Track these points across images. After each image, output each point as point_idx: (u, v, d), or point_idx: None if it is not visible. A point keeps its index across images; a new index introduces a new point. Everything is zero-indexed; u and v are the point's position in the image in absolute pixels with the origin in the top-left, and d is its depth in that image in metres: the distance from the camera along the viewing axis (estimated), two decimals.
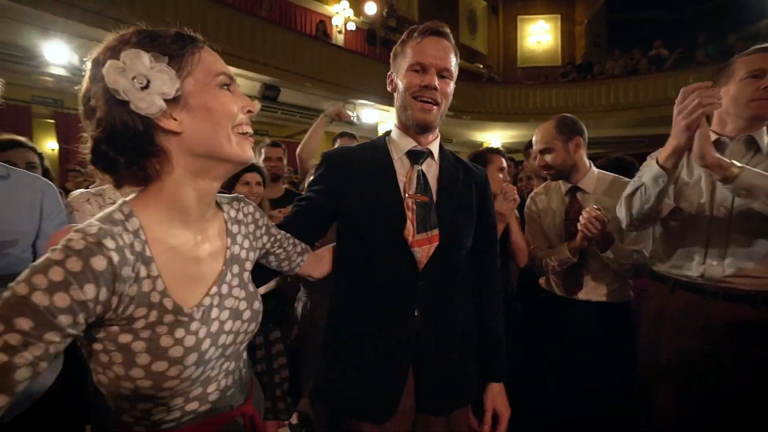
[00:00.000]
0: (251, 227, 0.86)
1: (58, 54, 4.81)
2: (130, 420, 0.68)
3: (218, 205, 0.81)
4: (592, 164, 1.69)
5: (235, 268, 0.79)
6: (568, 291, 1.66)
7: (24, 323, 0.52)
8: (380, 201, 1.02)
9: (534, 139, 1.72)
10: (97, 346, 0.62)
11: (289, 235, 0.97)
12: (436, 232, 1.00)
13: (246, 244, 0.83)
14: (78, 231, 0.58)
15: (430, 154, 1.07)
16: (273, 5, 8.34)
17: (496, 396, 1.12)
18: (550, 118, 1.68)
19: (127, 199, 0.68)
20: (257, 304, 0.80)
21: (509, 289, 1.97)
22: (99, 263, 0.56)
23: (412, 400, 1.03)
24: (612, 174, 1.67)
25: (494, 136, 11.19)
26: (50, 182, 1.36)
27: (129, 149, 0.63)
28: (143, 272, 0.63)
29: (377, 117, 8.71)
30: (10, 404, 0.53)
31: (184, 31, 0.67)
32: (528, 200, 1.87)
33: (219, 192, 0.78)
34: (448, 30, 1.02)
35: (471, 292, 1.13)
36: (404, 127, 1.07)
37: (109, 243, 0.58)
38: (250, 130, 0.72)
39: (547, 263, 1.66)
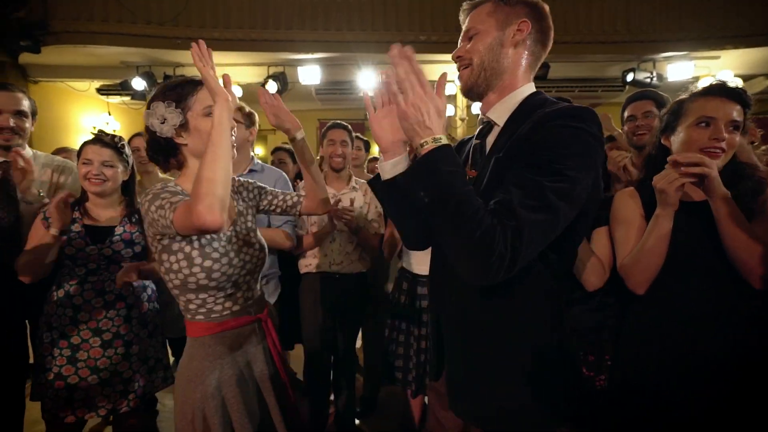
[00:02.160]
0: (245, 194, 1.29)
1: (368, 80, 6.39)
2: (193, 312, 1.12)
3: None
4: None
5: (242, 219, 1.22)
6: None
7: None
8: None
9: None
10: (171, 259, 1.06)
11: (280, 194, 1.36)
12: None
13: (243, 204, 1.26)
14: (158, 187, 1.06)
15: (492, 122, 1.03)
16: None
17: None
18: None
19: (173, 179, 1.16)
20: (259, 245, 1.23)
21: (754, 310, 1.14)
22: None
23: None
24: None
25: None
26: (285, 174, 2.13)
27: (162, 152, 1.12)
28: None
29: (691, 71, 6.26)
30: None
31: (190, 79, 1.10)
32: None
33: None
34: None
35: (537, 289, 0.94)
36: None
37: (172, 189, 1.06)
38: None
39: None
